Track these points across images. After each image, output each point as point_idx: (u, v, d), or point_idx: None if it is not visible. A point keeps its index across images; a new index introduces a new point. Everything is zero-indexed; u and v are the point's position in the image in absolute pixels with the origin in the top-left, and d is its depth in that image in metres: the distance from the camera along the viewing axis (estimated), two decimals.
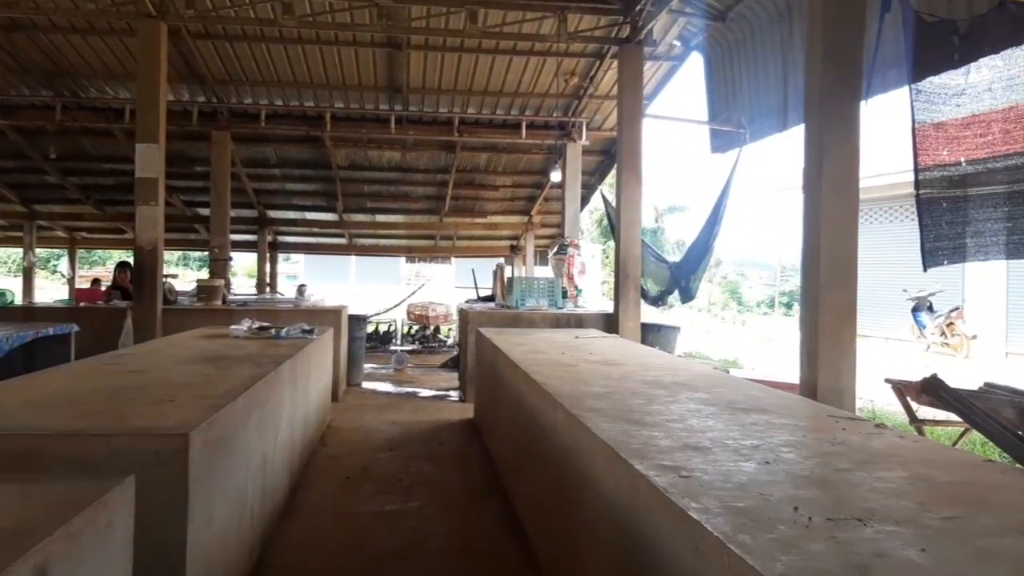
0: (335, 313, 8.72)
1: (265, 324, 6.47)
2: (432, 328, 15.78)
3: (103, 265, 49.59)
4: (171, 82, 10.88)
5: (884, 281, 18.72)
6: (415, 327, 16.07)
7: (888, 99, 6.48)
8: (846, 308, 4.77)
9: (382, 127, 11.83)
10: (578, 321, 8.94)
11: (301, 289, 9.42)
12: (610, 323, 8.86)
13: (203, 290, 9.43)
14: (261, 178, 14.00)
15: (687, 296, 10.74)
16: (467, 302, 11.44)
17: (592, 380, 4.03)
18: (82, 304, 8.25)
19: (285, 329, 6.23)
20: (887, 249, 18.91)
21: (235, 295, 12.12)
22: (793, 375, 5.30)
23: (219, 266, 11.31)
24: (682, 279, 10.58)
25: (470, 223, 16.40)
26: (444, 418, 7.82)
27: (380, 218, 16.14)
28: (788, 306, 29.96)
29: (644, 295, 12.43)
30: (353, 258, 49.55)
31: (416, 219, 16.30)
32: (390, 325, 16.28)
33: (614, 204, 9.50)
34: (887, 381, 5.38)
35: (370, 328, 16.26)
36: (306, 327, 6.40)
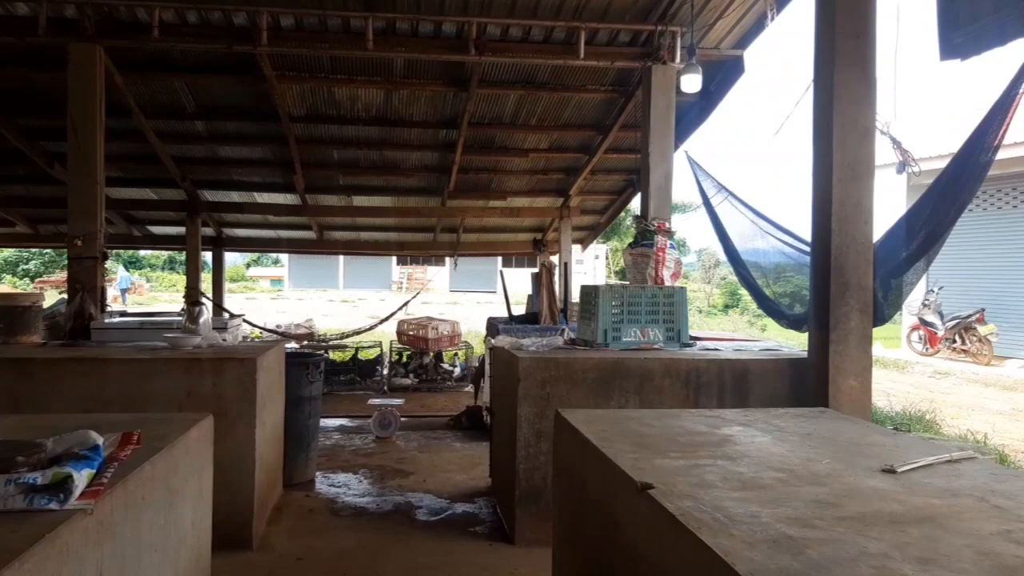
0: (244, 364, 4.16)
1: None
2: (432, 355, 11.26)
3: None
4: None
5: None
6: (408, 352, 11.55)
7: None
8: None
9: (353, 41, 7.30)
10: (738, 376, 4.43)
11: (194, 311, 4.89)
12: (801, 375, 4.40)
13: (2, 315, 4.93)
14: (177, 137, 9.41)
15: (879, 314, 6.18)
16: (498, 330, 6.85)
17: None
18: None
19: None
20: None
21: (117, 318, 7.61)
22: None
23: (83, 269, 6.78)
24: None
25: (483, 208, 11.86)
26: None
27: (359, 201, 11.57)
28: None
29: (772, 309, 7.99)
30: (340, 259, 44.90)
31: (409, 202, 11.74)
32: (378, 348, 11.77)
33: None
34: None
35: (348, 352, 11.76)
36: (61, 469, 1.88)
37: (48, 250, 41.21)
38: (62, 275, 42.21)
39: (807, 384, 4.34)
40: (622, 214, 16.15)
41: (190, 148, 9.76)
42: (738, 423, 2.95)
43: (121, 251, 42.93)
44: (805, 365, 4.41)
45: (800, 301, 7.53)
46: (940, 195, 5.42)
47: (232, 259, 51.13)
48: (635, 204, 14.25)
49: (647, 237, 6.68)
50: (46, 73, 7.80)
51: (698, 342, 5.04)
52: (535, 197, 11.74)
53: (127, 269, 45.47)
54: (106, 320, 6.83)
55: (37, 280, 41.05)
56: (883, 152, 4.52)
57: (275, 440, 4.79)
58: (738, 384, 4.37)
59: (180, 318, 8.18)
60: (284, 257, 46.11)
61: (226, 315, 8.43)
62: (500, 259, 35.74)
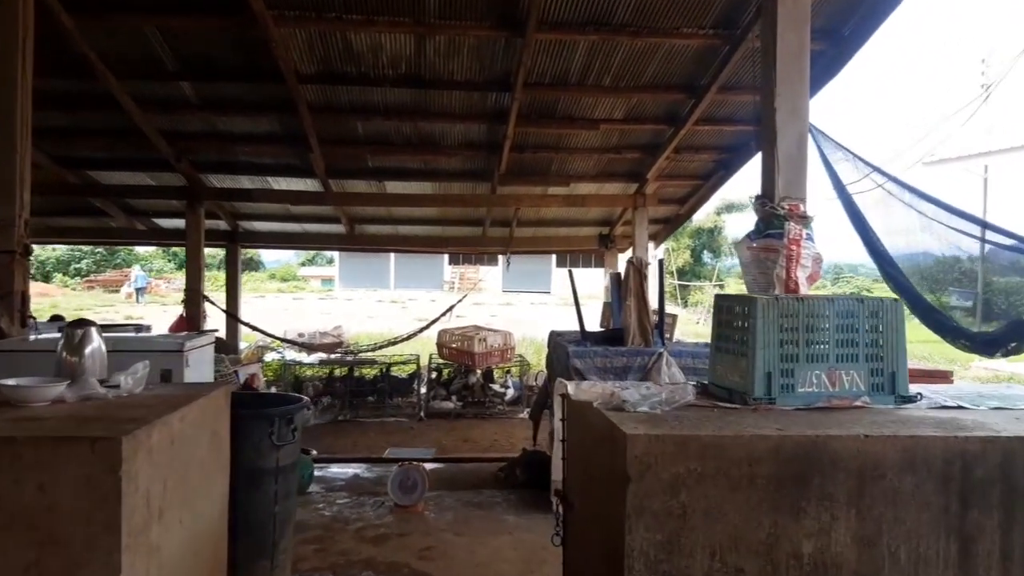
0: (96, 451, 2.15)
1: None
2: (479, 372, 9.29)
3: (127, 267, 43.54)
4: None
5: None
6: (450, 369, 9.61)
7: None
8: None
9: None
10: None
11: (75, 336, 3.00)
12: None
13: None
14: (162, 104, 7.57)
15: None
16: (568, 355, 4.77)
17: None
18: None
19: None
20: None
21: (55, 333, 5.80)
22: None
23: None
24: None
25: (541, 195, 9.84)
26: None
27: (393, 187, 9.66)
28: None
29: (944, 324, 5.83)
30: (391, 257, 43.02)
31: (452, 188, 9.78)
32: (414, 364, 9.82)
33: None
34: None
35: (380, 367, 9.84)
36: None
37: (99, 248, 40.21)
38: (112, 274, 41.27)
39: None
40: None
41: (181, 119, 7.95)
42: None
43: (178, 249, 41.72)
44: None
45: (990, 315, 5.40)
46: None
47: (286, 258, 49.82)
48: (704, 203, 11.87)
49: (774, 224, 4.69)
50: None
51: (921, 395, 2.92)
52: (604, 182, 9.69)
53: (180, 268, 44.42)
54: (32, 336, 5.02)
55: (86, 279, 40.10)
56: None
57: (201, 553, 2.85)
58: (1017, 489, 2.27)
59: (141, 332, 6.38)
60: (336, 255, 44.51)
61: (185, 335, 6.66)
62: (554, 258, 33.63)
